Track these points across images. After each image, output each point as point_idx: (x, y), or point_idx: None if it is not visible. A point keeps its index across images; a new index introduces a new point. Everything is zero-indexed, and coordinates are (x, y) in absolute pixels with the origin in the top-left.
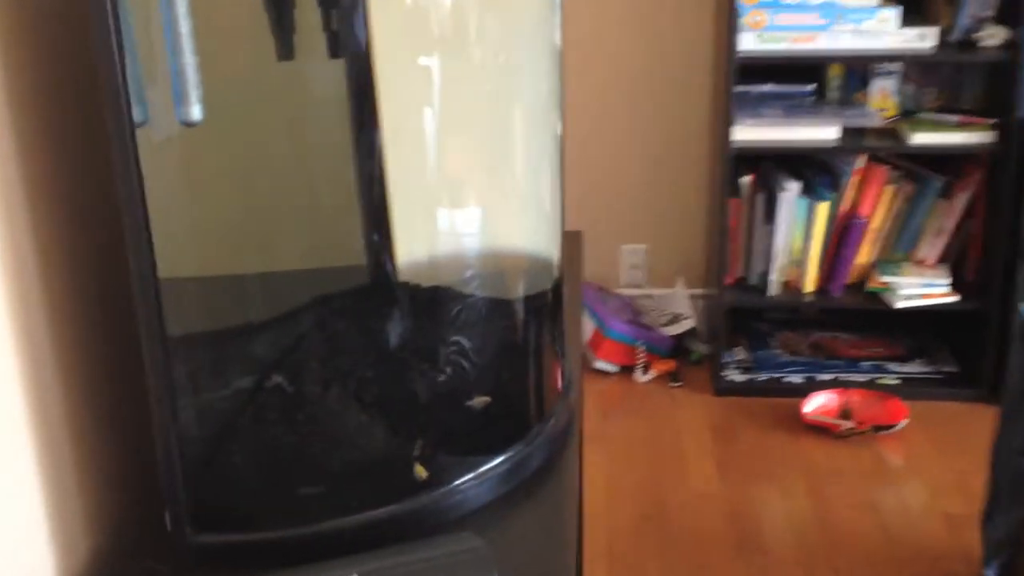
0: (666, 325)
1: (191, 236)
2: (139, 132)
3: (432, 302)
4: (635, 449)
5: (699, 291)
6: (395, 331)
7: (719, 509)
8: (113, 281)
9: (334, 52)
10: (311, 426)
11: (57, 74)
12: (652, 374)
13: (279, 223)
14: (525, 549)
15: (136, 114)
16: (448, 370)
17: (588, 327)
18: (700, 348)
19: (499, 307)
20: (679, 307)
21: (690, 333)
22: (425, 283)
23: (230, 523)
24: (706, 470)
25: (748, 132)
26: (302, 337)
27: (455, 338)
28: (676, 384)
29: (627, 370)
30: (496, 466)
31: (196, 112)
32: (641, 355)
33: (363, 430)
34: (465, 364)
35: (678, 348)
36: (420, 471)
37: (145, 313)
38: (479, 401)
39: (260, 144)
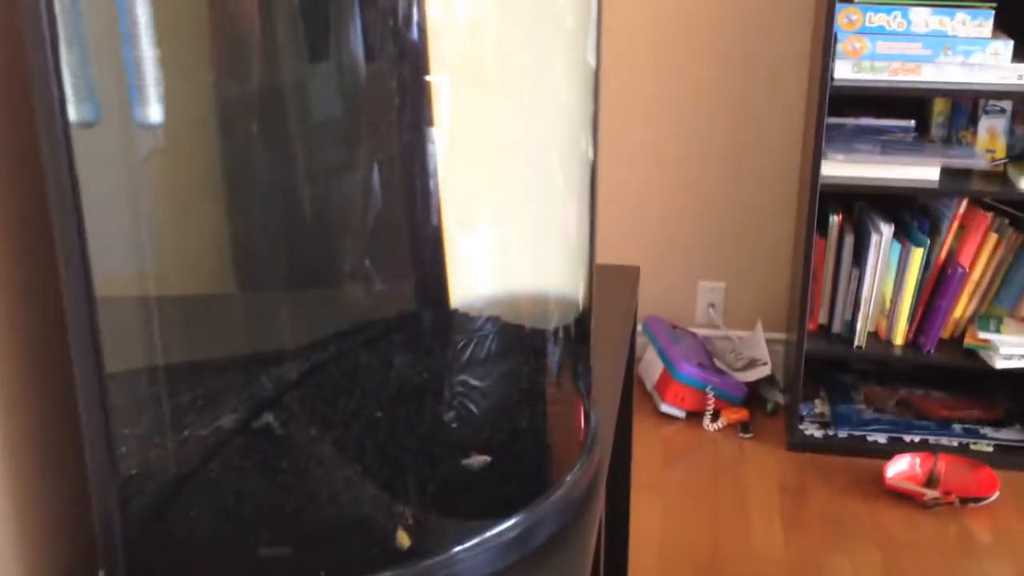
0: (741, 370)
1: (173, 250)
2: (87, 133)
3: (435, 336)
4: (695, 503)
5: (779, 335)
6: (393, 369)
7: None
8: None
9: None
10: (283, 476)
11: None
12: (722, 422)
13: (273, 241)
14: None
15: (82, 112)
16: (446, 416)
17: (657, 368)
18: (777, 398)
19: (510, 344)
20: (756, 351)
21: (767, 380)
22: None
23: None
24: (772, 532)
25: (839, 168)
26: (282, 373)
27: (458, 378)
28: (747, 435)
29: (695, 416)
30: (497, 534)
31: (154, 113)
32: (711, 401)
33: (345, 484)
34: (468, 409)
35: (752, 396)
36: (403, 539)
37: (78, 335)
38: (477, 460)
39: (244, 156)
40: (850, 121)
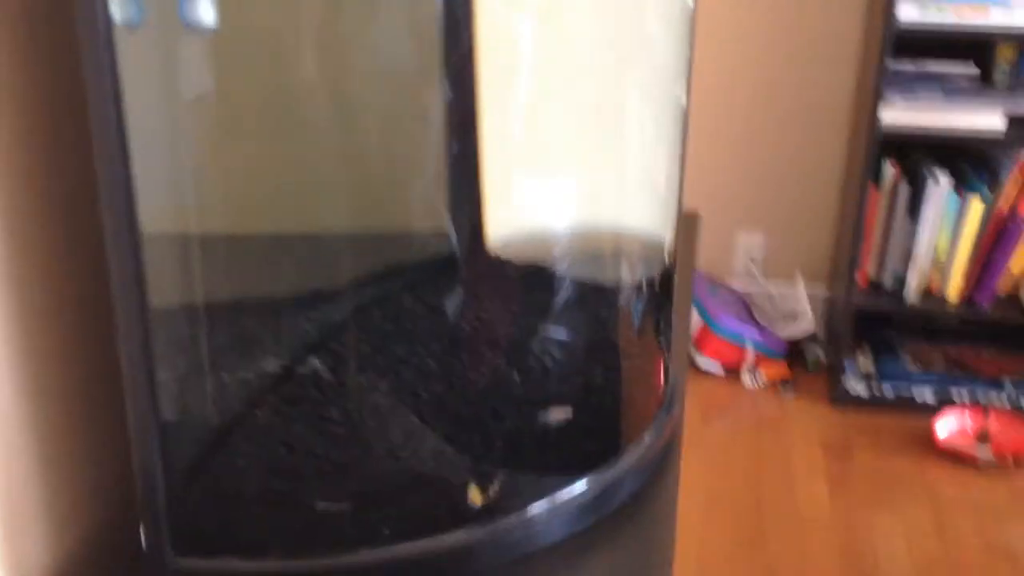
0: (781, 325)
1: (214, 181)
2: (128, 35)
3: (515, 284)
4: (737, 462)
5: (820, 290)
6: (465, 314)
7: (828, 539)
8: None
9: None
10: (341, 427)
11: None
12: (762, 378)
13: (319, 174)
14: None
15: (125, 11)
16: (526, 369)
17: (694, 321)
18: (818, 354)
19: (594, 296)
20: (797, 306)
21: (808, 336)
22: (510, 261)
23: (224, 546)
24: (816, 492)
25: (899, 114)
26: (344, 316)
27: (537, 330)
28: (788, 392)
29: (734, 372)
30: (577, 495)
31: (206, 13)
32: (751, 356)
33: (410, 437)
34: (547, 362)
35: (793, 352)
36: (475, 495)
37: (120, 270)
38: (557, 414)
39: (310, 69)
40: (909, 66)
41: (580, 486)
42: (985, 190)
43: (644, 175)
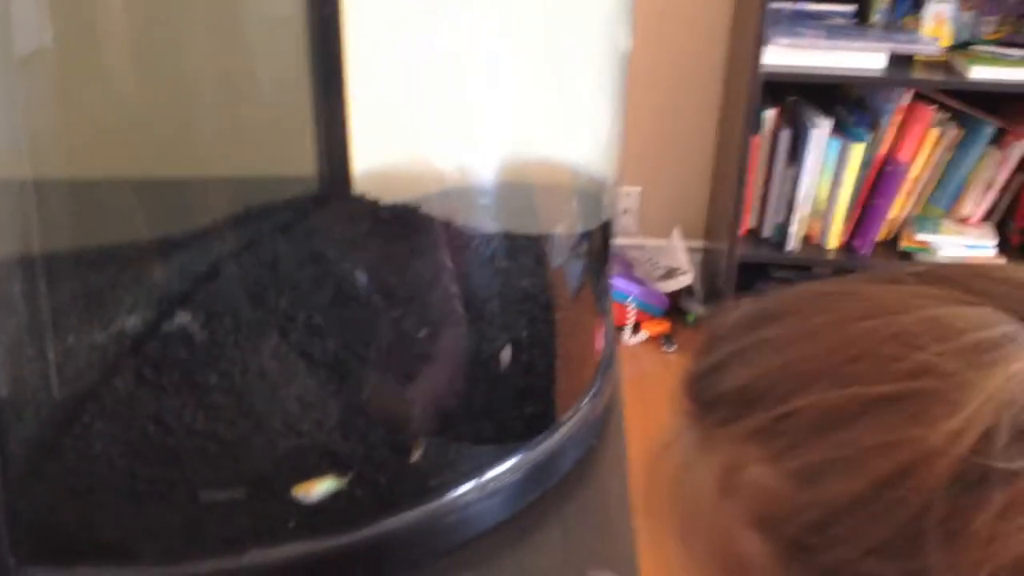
0: (660, 280)
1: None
2: None
3: (428, 228)
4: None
5: (698, 243)
6: (359, 264)
7: None
8: None
9: None
10: (223, 395)
11: None
12: (643, 335)
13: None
14: None
15: None
16: (443, 325)
17: None
18: (697, 309)
19: (526, 243)
20: (675, 260)
21: (686, 291)
22: (409, 203)
23: (81, 551)
24: None
25: (783, 55)
26: (212, 265)
27: (457, 280)
28: (670, 348)
29: (617, 329)
30: (512, 468)
31: None
32: (632, 313)
33: (309, 407)
34: (468, 317)
35: (671, 308)
36: (417, 448)
37: None
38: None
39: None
40: (788, 5)
41: (514, 460)
42: (865, 134)
43: (586, 126)
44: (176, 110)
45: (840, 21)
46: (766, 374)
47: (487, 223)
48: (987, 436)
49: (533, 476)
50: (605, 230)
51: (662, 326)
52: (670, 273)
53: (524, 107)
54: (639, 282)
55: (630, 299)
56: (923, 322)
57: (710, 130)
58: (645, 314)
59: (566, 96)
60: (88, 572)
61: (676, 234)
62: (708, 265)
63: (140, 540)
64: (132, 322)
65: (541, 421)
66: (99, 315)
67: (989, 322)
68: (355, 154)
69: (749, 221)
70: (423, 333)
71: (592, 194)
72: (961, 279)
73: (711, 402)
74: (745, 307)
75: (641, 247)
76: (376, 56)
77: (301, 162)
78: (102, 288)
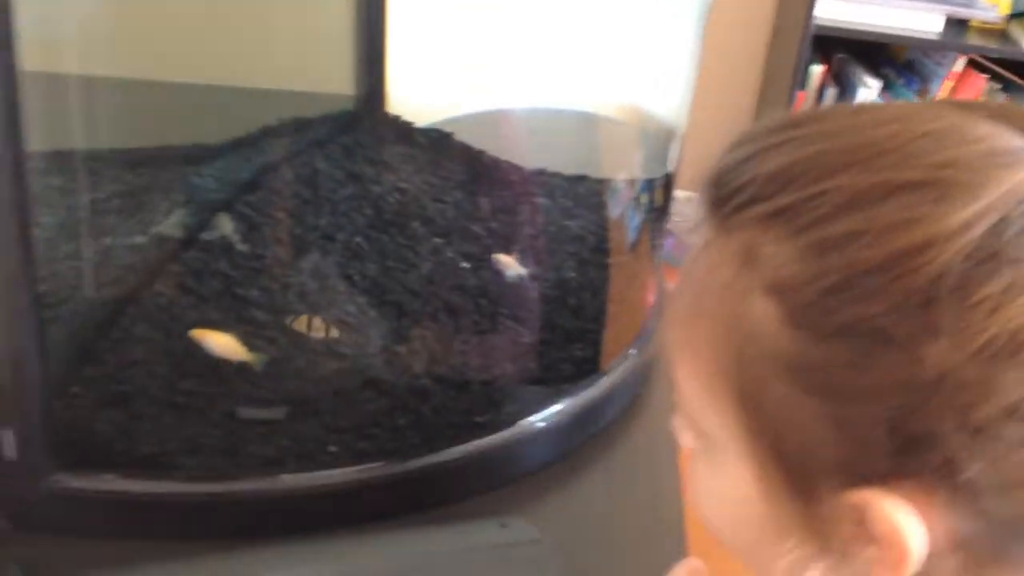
0: (689, 233)
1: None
2: None
3: (489, 166)
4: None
5: None
6: (421, 188)
7: None
8: None
9: None
10: (263, 310)
11: None
12: (670, 287)
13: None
14: (604, 535)
15: None
16: (496, 259)
17: None
18: None
19: (588, 185)
20: None
21: None
22: (473, 142)
23: (115, 461)
24: None
25: (836, 9)
26: (253, 174)
27: (511, 216)
28: None
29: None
30: (559, 412)
31: None
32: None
33: (352, 330)
34: (521, 256)
35: None
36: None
37: None
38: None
39: None
40: None
41: (563, 402)
42: (913, 98)
43: (656, 56)
44: (220, 18)
45: None
46: (797, 162)
47: (541, 157)
48: (1000, 224)
49: (580, 420)
50: (668, 181)
51: None
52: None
53: (595, 44)
54: (668, 234)
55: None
56: (949, 127)
57: (754, 82)
58: (670, 266)
59: (645, 34)
60: (121, 483)
61: None
62: None
63: (176, 454)
64: (171, 227)
65: (590, 366)
66: (138, 217)
67: (1008, 136)
68: (391, 75)
69: None
70: (466, 265)
71: (660, 141)
72: (983, 105)
73: (736, 190)
74: (767, 120)
75: (674, 199)
76: None
77: (339, 79)
78: (140, 190)
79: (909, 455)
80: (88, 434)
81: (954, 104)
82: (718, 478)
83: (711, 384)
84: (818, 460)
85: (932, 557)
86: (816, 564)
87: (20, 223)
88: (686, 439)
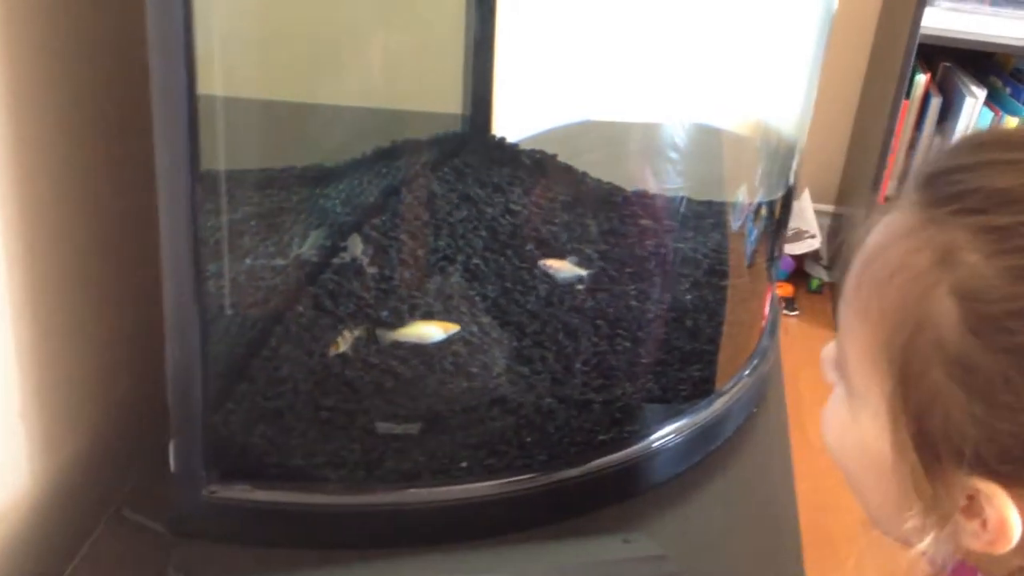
0: (787, 242)
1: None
2: None
3: (603, 192)
4: None
5: (827, 207)
6: (539, 214)
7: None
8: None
9: None
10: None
11: None
12: None
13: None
14: (722, 549)
15: None
16: (620, 285)
17: None
18: (821, 274)
19: (709, 208)
20: (803, 222)
21: (812, 255)
22: (586, 166)
23: (271, 475)
24: None
25: (942, 18)
26: (386, 194)
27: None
28: (792, 312)
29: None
30: (677, 429)
31: None
32: None
33: (482, 352)
34: (647, 279)
35: (797, 270)
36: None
37: (169, 134)
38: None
39: None
40: None
41: (683, 420)
42: (1020, 108)
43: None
44: (340, 41)
45: None
46: (1022, 185)
47: (668, 180)
48: None
49: (698, 438)
50: (787, 196)
51: (784, 290)
52: (797, 235)
53: (718, 63)
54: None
55: None
56: None
57: (854, 90)
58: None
59: (770, 48)
60: (270, 494)
61: (806, 196)
62: (837, 230)
63: (321, 467)
64: (307, 248)
65: (707, 385)
66: (275, 238)
67: None
68: (497, 97)
69: (888, 189)
70: (583, 285)
71: (782, 157)
72: None
73: (956, 194)
74: (1003, 129)
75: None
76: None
77: (449, 101)
78: (274, 211)
79: None
80: (241, 447)
81: None
82: (859, 427)
83: (876, 348)
84: (954, 445)
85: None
86: (932, 532)
87: (193, 243)
88: (831, 376)
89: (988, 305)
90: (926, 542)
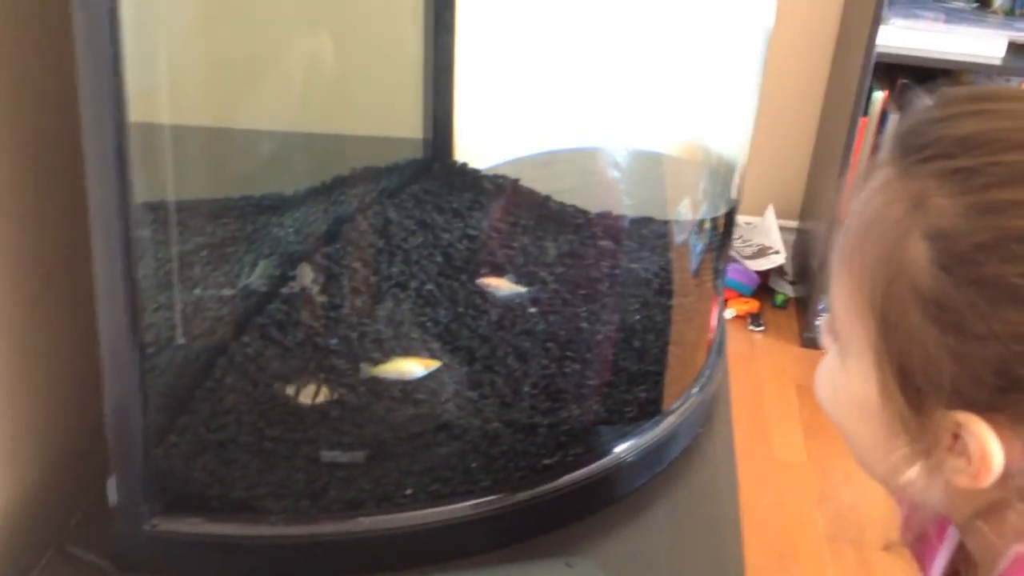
0: (750, 258)
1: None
2: None
3: (550, 209)
4: None
5: (791, 223)
6: (480, 235)
7: (806, 486)
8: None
9: None
10: (344, 359)
11: None
12: (731, 313)
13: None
14: (667, 570)
15: None
16: (559, 303)
17: None
18: (786, 290)
19: (645, 224)
20: (767, 239)
21: (777, 271)
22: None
23: (215, 507)
24: (791, 437)
25: (898, 36)
26: (340, 223)
27: (574, 259)
28: (757, 328)
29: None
30: (627, 450)
31: None
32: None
33: (433, 378)
34: (591, 299)
35: (762, 287)
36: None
37: (99, 163)
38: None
39: None
40: None
41: (629, 442)
42: None
43: (716, 92)
44: (298, 67)
45: (960, 5)
46: (984, 132)
47: (605, 199)
48: None
49: (644, 460)
50: (730, 213)
51: (750, 305)
52: (762, 252)
53: (659, 79)
54: (729, 259)
55: None
56: None
57: (814, 108)
58: (734, 292)
59: (708, 70)
60: (214, 526)
61: (770, 212)
62: (801, 246)
63: (264, 498)
64: (256, 278)
65: (653, 406)
66: (223, 268)
67: None
68: (458, 122)
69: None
70: (533, 309)
71: (722, 176)
72: None
73: (926, 144)
74: (968, 87)
75: (735, 229)
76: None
77: (409, 126)
78: (225, 241)
79: (1008, 394)
80: (184, 480)
81: None
82: (848, 376)
83: (860, 299)
84: (933, 381)
85: (1007, 476)
86: (916, 464)
87: (127, 275)
88: (827, 341)
89: (955, 242)
90: (912, 471)
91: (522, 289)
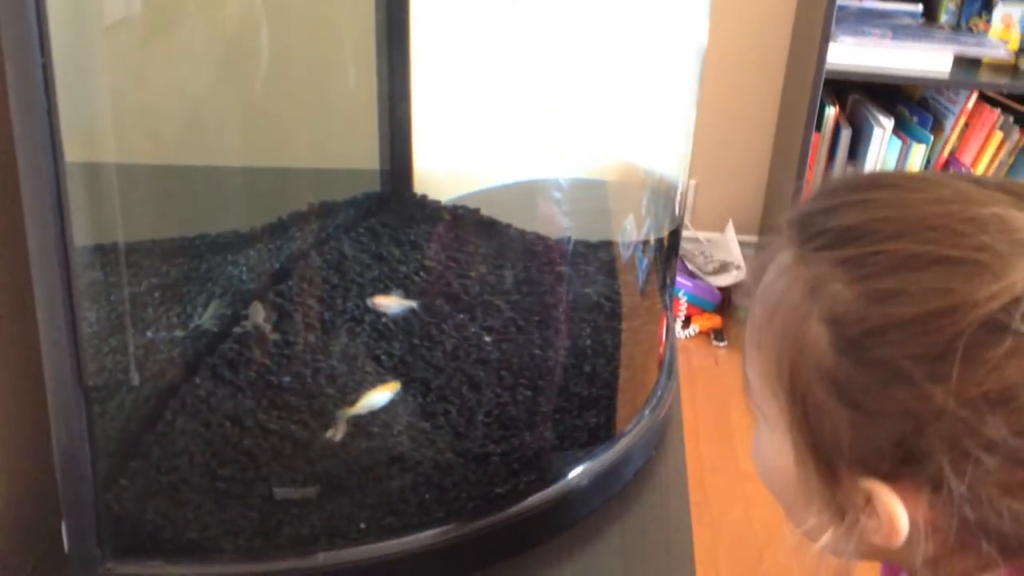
0: (712, 274)
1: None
2: None
3: (495, 233)
4: None
5: (751, 238)
6: (427, 266)
7: (773, 499)
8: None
9: None
10: (295, 395)
11: None
12: (694, 329)
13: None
14: None
15: None
16: (509, 330)
17: None
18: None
19: (592, 248)
20: (728, 255)
21: (739, 286)
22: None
23: (169, 549)
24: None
25: (847, 54)
26: (294, 260)
27: (523, 285)
28: (721, 344)
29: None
30: (579, 476)
31: None
32: (683, 307)
33: (381, 410)
34: (530, 325)
35: (725, 302)
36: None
37: (37, 206)
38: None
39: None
40: (854, 3)
41: (582, 467)
42: (927, 135)
43: (653, 113)
44: (249, 101)
45: (907, 21)
46: (868, 222)
47: (550, 226)
48: (1014, 303)
49: (596, 485)
50: (675, 232)
51: (713, 321)
52: (723, 267)
53: (598, 108)
54: (691, 275)
55: (682, 293)
56: (992, 215)
57: (769, 125)
58: (697, 308)
59: (642, 95)
60: (168, 568)
61: (730, 228)
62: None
63: (218, 538)
64: (208, 319)
65: (605, 431)
66: (175, 309)
67: None
68: (416, 154)
69: None
70: (489, 338)
71: (664, 196)
72: None
73: (817, 233)
74: (856, 173)
75: (695, 240)
76: (442, 57)
77: (366, 157)
78: (177, 281)
79: (908, 465)
80: (136, 523)
81: (1011, 192)
82: (771, 447)
83: (770, 378)
84: (841, 452)
85: (914, 537)
86: (830, 529)
87: (69, 319)
88: (752, 408)
89: (849, 327)
90: (826, 537)
91: (412, 303)
